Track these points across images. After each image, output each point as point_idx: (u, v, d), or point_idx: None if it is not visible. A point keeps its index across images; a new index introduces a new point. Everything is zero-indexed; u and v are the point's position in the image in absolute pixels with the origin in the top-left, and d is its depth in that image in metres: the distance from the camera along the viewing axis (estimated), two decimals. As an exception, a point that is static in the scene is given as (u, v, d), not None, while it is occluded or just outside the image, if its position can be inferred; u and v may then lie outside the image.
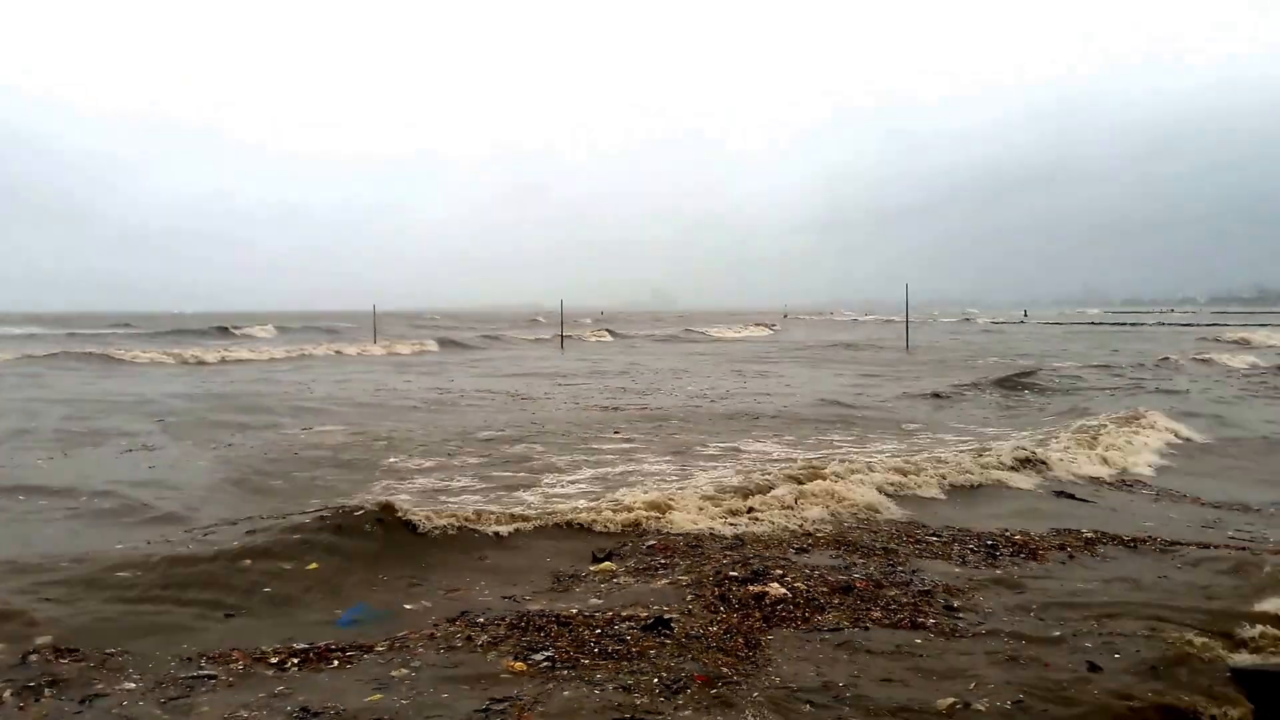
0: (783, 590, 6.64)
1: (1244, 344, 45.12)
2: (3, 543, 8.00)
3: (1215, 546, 7.98)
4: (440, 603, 6.67)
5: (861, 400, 20.66)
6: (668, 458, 12.77)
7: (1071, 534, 8.54)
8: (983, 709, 4.64)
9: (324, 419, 16.79)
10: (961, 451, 12.56)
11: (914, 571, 7.28)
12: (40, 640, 5.53)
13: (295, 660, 5.41)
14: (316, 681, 5.10)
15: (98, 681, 5.01)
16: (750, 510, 9.18)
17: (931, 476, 10.79)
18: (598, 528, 8.61)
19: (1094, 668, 5.12)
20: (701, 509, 9.10)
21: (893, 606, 6.35)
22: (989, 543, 8.20)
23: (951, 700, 4.72)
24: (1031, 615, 6.12)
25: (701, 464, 12.24)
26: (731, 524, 8.73)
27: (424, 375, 28.90)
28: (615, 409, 18.87)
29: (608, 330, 62.24)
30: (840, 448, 13.68)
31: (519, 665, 5.26)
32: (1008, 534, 8.53)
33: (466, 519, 8.45)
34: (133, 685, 5.00)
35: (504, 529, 8.39)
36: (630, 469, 11.86)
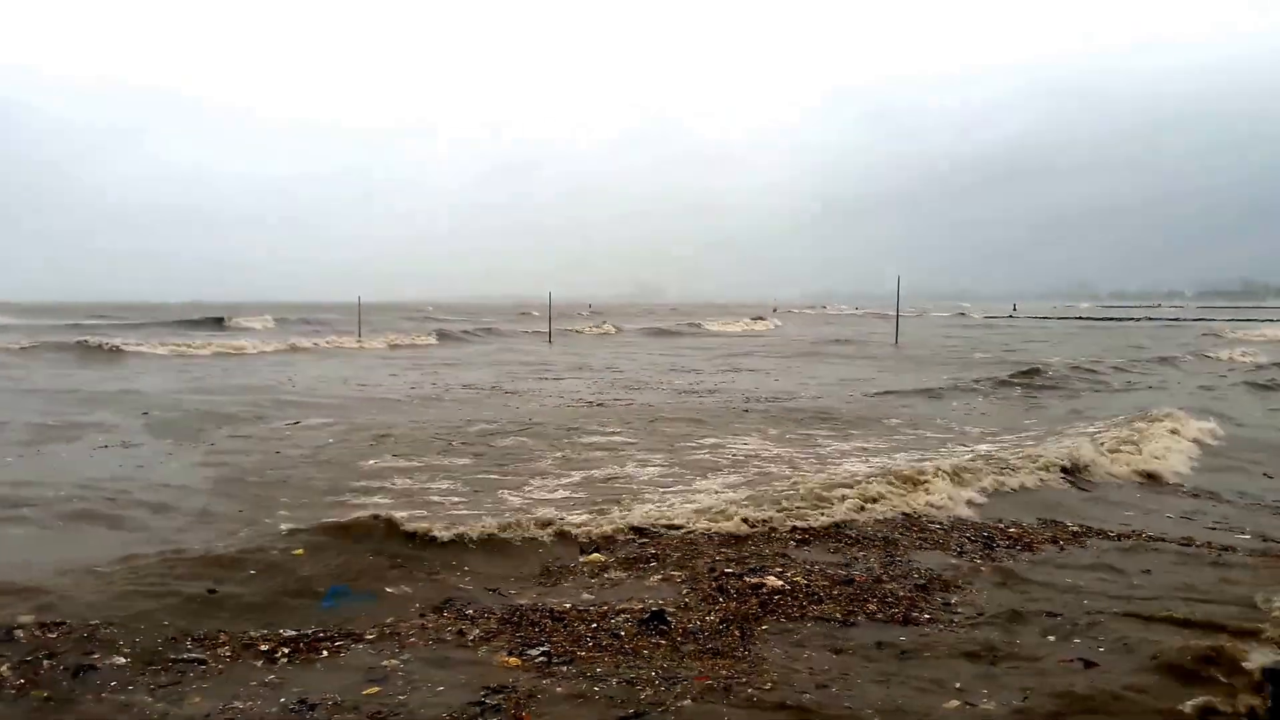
0: (779, 583, 6.71)
1: (1244, 342, 44.41)
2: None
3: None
4: (421, 590, 6.67)
5: (846, 395, 20.67)
6: (659, 455, 12.70)
7: (1059, 526, 8.71)
8: (991, 708, 4.64)
9: (309, 414, 16.62)
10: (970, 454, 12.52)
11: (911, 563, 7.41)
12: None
13: (286, 650, 5.41)
14: (310, 673, 5.13)
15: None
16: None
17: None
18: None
19: (1089, 664, 5.15)
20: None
21: (889, 600, 6.42)
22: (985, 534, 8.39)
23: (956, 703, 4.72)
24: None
25: (694, 459, 12.23)
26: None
27: (413, 369, 28.74)
28: (601, 405, 18.82)
29: (610, 325, 61.70)
30: (826, 444, 13.71)
31: (513, 660, 5.27)
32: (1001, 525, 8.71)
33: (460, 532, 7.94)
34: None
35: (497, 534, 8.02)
36: (619, 471, 11.56)
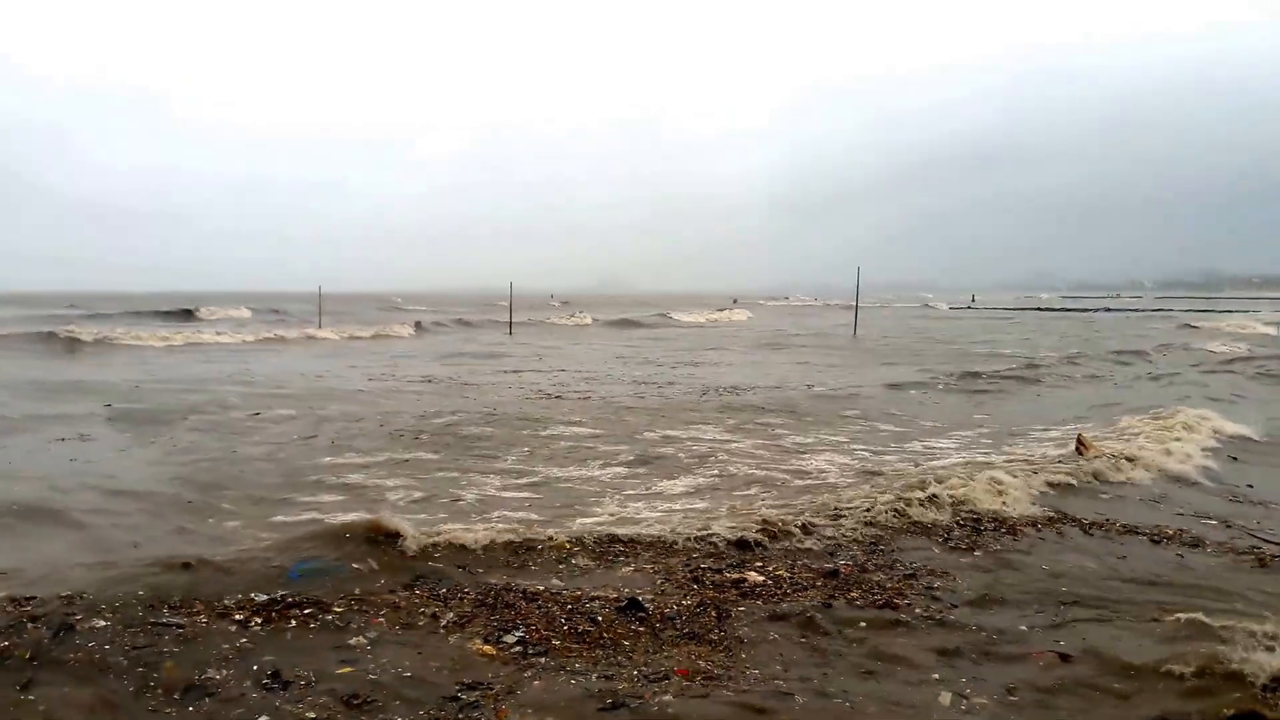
0: (760, 578, 6.73)
1: (1215, 332, 44.11)
2: None
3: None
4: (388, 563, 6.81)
5: (804, 387, 21.01)
6: (624, 447, 12.91)
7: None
8: (984, 701, 4.76)
9: (272, 405, 16.55)
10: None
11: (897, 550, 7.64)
12: None
13: (259, 618, 5.53)
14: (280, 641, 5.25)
15: None
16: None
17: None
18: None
19: (1064, 658, 5.28)
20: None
21: (874, 590, 6.54)
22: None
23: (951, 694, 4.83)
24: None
25: (657, 454, 12.47)
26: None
27: (377, 359, 28.73)
28: (559, 397, 18.98)
29: (582, 316, 61.44)
30: (784, 436, 14.02)
31: (489, 649, 5.33)
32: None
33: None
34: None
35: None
36: (582, 473, 11.34)
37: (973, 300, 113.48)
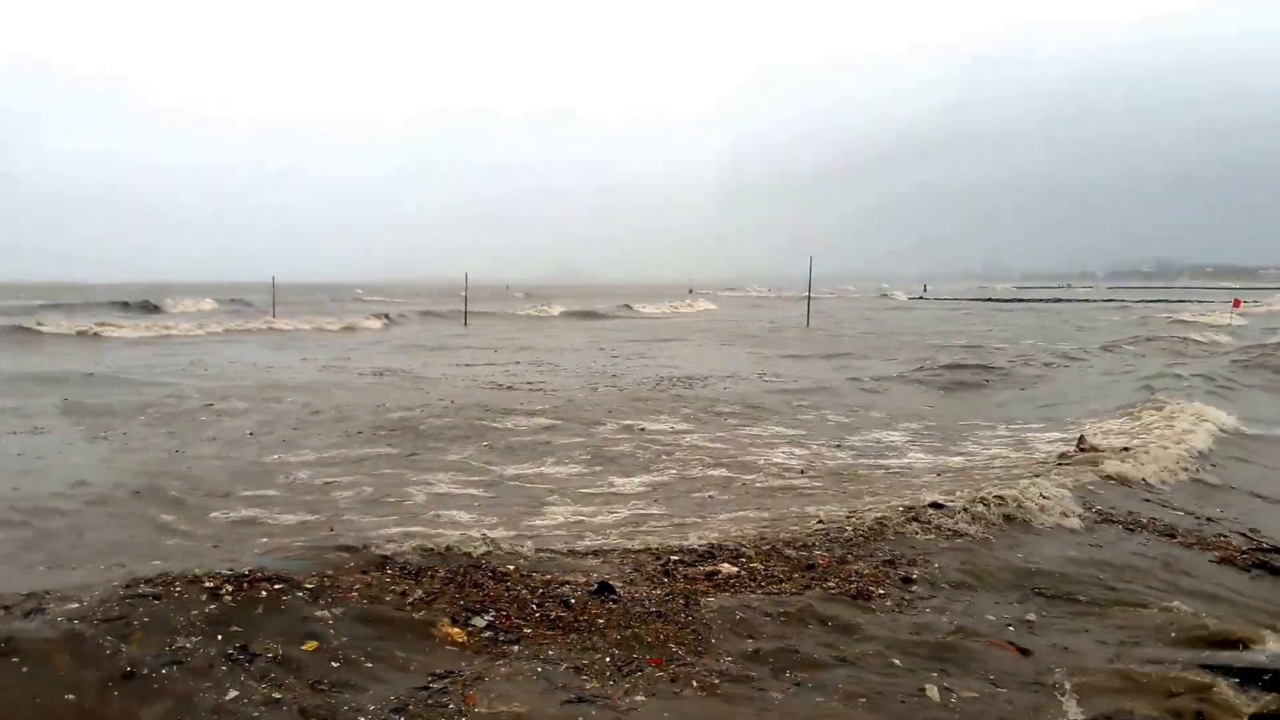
0: (734, 569, 6.56)
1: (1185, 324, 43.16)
2: None
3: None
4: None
5: (757, 379, 21.26)
6: (579, 439, 12.97)
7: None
8: (975, 694, 4.76)
9: (228, 399, 16.31)
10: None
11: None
12: None
13: (230, 588, 5.34)
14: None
15: None
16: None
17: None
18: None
19: (1024, 651, 5.28)
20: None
21: (852, 579, 6.39)
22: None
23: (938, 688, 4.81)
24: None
25: (615, 451, 12.61)
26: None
27: (331, 351, 28.62)
28: (512, 388, 19.01)
29: (544, 307, 61.05)
30: (741, 429, 14.28)
31: (458, 632, 5.25)
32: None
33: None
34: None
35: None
36: (534, 470, 11.24)
37: (924, 290, 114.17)
